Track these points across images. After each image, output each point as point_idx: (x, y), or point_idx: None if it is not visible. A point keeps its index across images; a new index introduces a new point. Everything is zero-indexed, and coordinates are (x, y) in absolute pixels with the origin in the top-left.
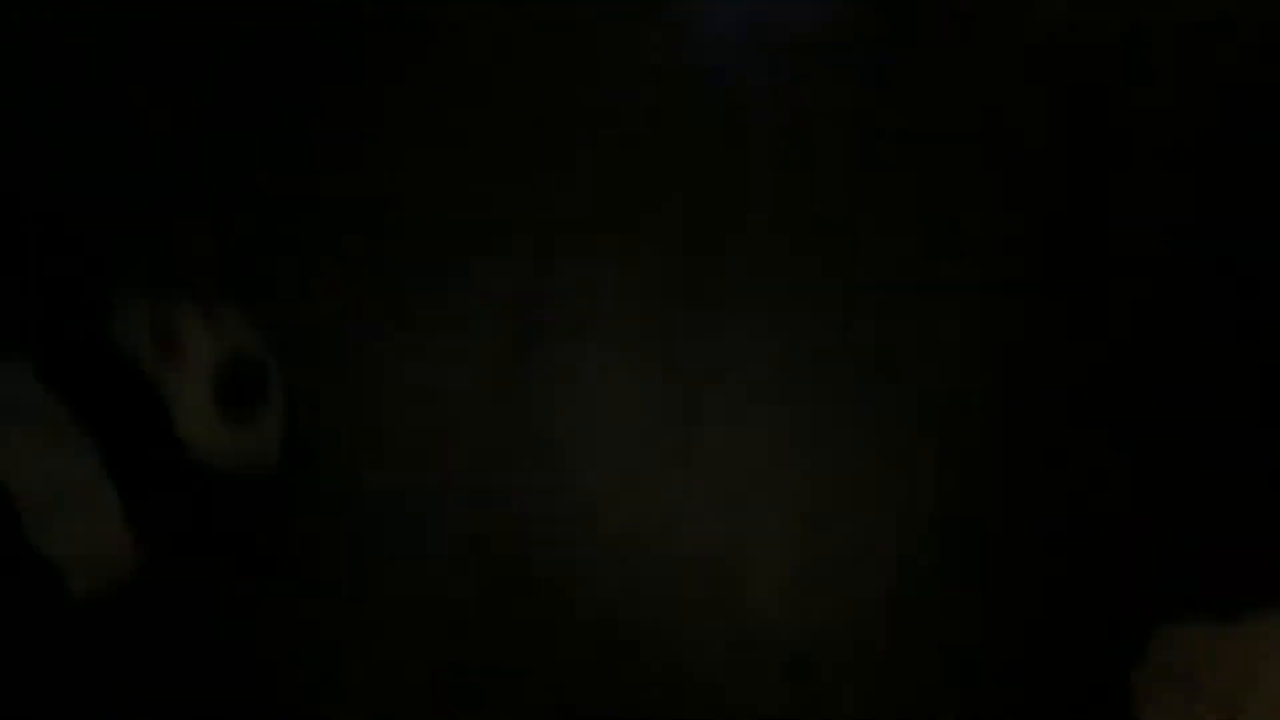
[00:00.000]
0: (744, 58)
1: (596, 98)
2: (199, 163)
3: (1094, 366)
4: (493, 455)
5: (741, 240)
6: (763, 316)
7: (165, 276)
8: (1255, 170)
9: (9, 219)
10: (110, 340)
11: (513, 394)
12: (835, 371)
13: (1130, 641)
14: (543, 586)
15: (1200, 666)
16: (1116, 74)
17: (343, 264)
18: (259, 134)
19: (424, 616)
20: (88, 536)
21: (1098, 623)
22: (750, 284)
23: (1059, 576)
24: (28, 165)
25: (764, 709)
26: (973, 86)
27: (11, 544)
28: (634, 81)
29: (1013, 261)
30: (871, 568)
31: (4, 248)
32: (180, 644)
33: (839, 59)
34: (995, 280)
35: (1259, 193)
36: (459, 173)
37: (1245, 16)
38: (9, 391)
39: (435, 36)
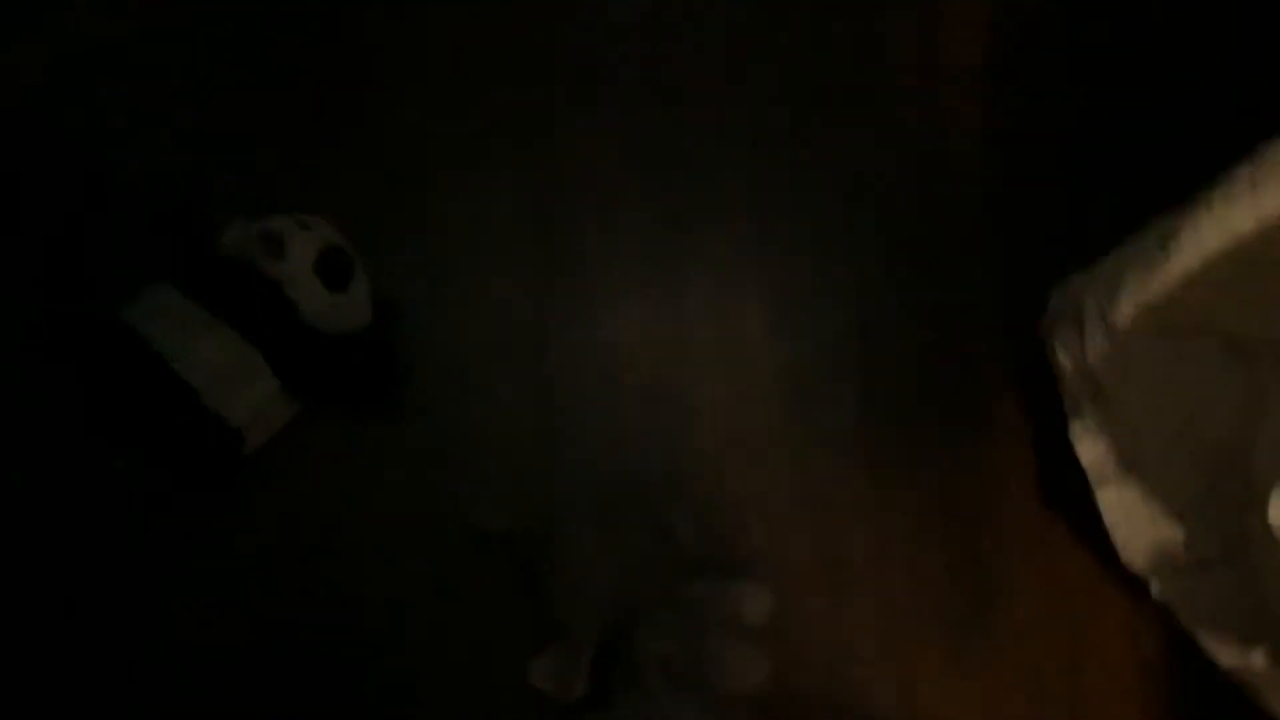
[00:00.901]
0: None
1: None
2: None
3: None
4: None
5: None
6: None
7: (254, 200)
8: None
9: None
10: (224, 253)
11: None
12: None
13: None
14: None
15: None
16: None
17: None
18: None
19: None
20: (255, 400)
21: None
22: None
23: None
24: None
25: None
26: None
27: (202, 414)
28: None
29: None
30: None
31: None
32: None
33: None
34: None
35: None
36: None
37: None
38: (157, 303)
39: None
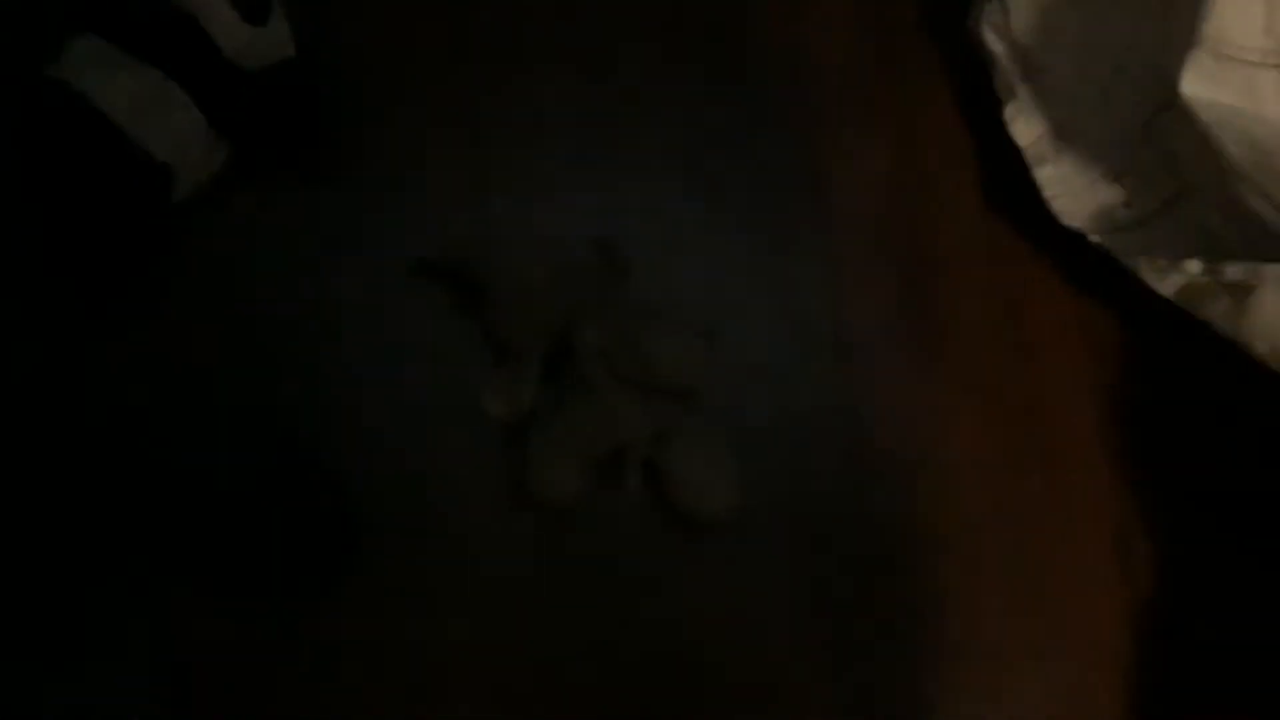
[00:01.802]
0: None
1: None
2: None
3: None
4: None
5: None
6: None
7: None
8: None
9: None
10: None
11: None
12: None
13: None
14: None
15: None
16: None
17: None
18: None
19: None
20: (181, 134)
21: None
22: None
23: None
24: None
25: None
26: None
27: (124, 148)
28: None
29: None
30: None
31: None
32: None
33: None
34: None
35: None
36: None
37: None
38: (78, 51)
39: None
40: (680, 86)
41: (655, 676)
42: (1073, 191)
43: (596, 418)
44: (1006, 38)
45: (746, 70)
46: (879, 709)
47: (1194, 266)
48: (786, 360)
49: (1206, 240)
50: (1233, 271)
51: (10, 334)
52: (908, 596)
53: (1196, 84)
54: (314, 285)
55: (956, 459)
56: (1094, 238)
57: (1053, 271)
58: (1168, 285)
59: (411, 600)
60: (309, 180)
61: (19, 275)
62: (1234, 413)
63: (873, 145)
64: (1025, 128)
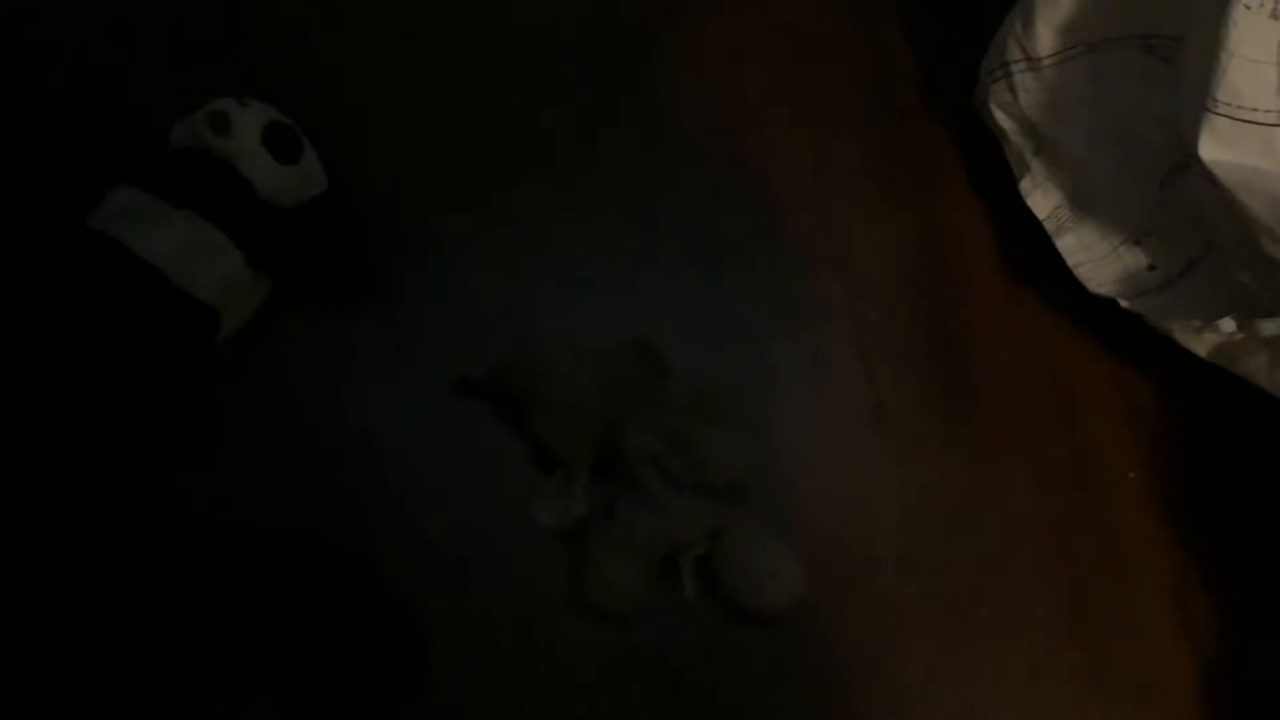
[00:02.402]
0: None
1: None
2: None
3: None
4: None
5: None
6: None
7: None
8: None
9: None
10: (175, 146)
11: None
12: None
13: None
14: None
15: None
16: None
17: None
18: None
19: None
20: (223, 276)
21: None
22: None
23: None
24: None
25: None
26: None
27: (173, 295)
28: None
29: None
30: None
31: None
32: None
33: None
34: None
35: None
36: None
37: None
38: (117, 204)
39: None
40: (698, 183)
41: None
42: (1096, 258)
43: (651, 522)
44: (1016, 115)
45: (760, 165)
46: None
47: (1228, 325)
48: (829, 442)
49: (1238, 297)
50: (1269, 327)
51: (68, 471)
52: (953, 664)
53: (1214, 147)
54: (358, 412)
55: (1004, 523)
56: (1124, 303)
57: (1084, 335)
58: (1202, 344)
59: (480, 716)
60: (348, 308)
61: (75, 416)
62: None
63: (893, 225)
64: (1043, 199)
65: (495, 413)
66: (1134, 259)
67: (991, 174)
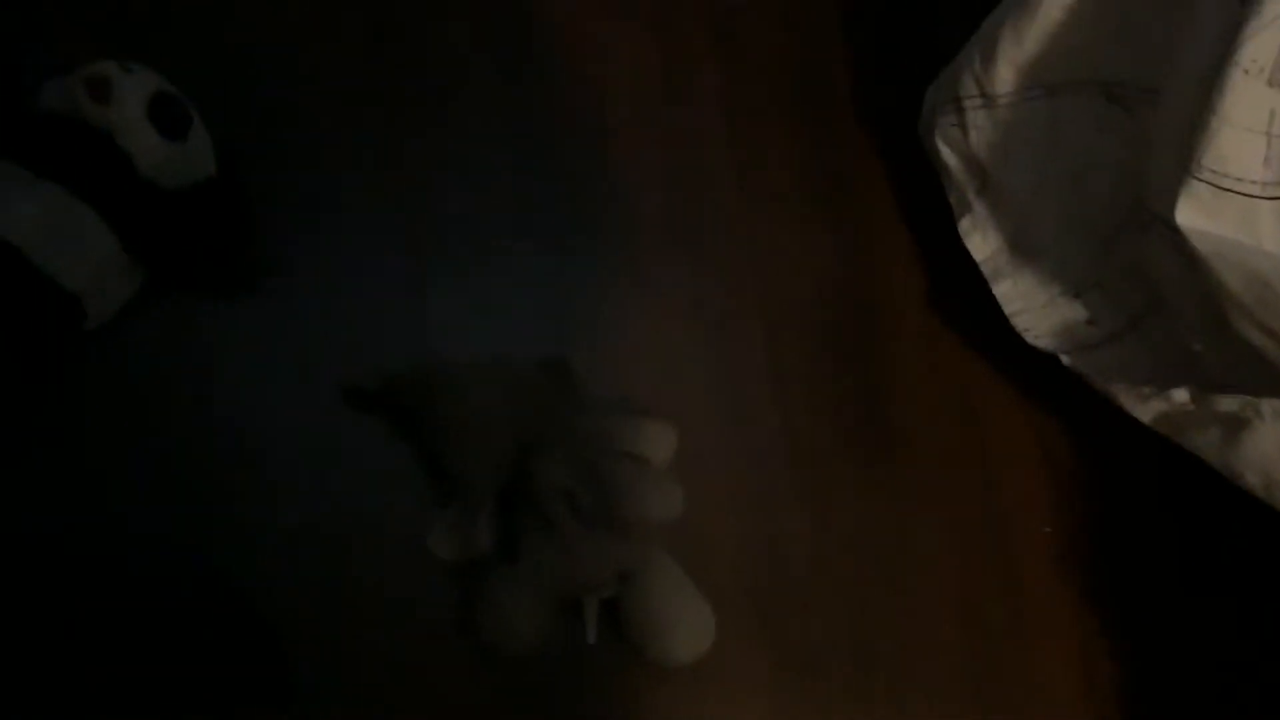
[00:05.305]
0: None
1: None
2: None
3: None
4: None
5: None
6: None
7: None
8: None
9: None
10: (44, 108)
11: None
12: None
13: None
14: None
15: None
16: None
17: None
18: None
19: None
20: (92, 261)
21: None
22: None
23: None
24: None
25: None
26: None
27: (32, 279)
28: None
29: None
30: None
31: None
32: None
33: None
34: None
35: None
36: None
37: None
38: None
39: None
40: (620, 189)
41: None
42: (1034, 308)
43: (560, 561)
44: (962, 152)
45: (689, 176)
46: None
47: (1181, 395)
48: (744, 481)
49: (1187, 364)
50: (1227, 403)
51: None
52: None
53: (1193, 215)
54: (236, 411)
55: (916, 580)
56: (1065, 359)
57: (1007, 380)
58: (1146, 410)
59: None
60: (230, 300)
61: None
62: (1198, 532)
63: (821, 251)
64: (981, 242)
65: (386, 427)
66: (1073, 312)
67: (924, 204)
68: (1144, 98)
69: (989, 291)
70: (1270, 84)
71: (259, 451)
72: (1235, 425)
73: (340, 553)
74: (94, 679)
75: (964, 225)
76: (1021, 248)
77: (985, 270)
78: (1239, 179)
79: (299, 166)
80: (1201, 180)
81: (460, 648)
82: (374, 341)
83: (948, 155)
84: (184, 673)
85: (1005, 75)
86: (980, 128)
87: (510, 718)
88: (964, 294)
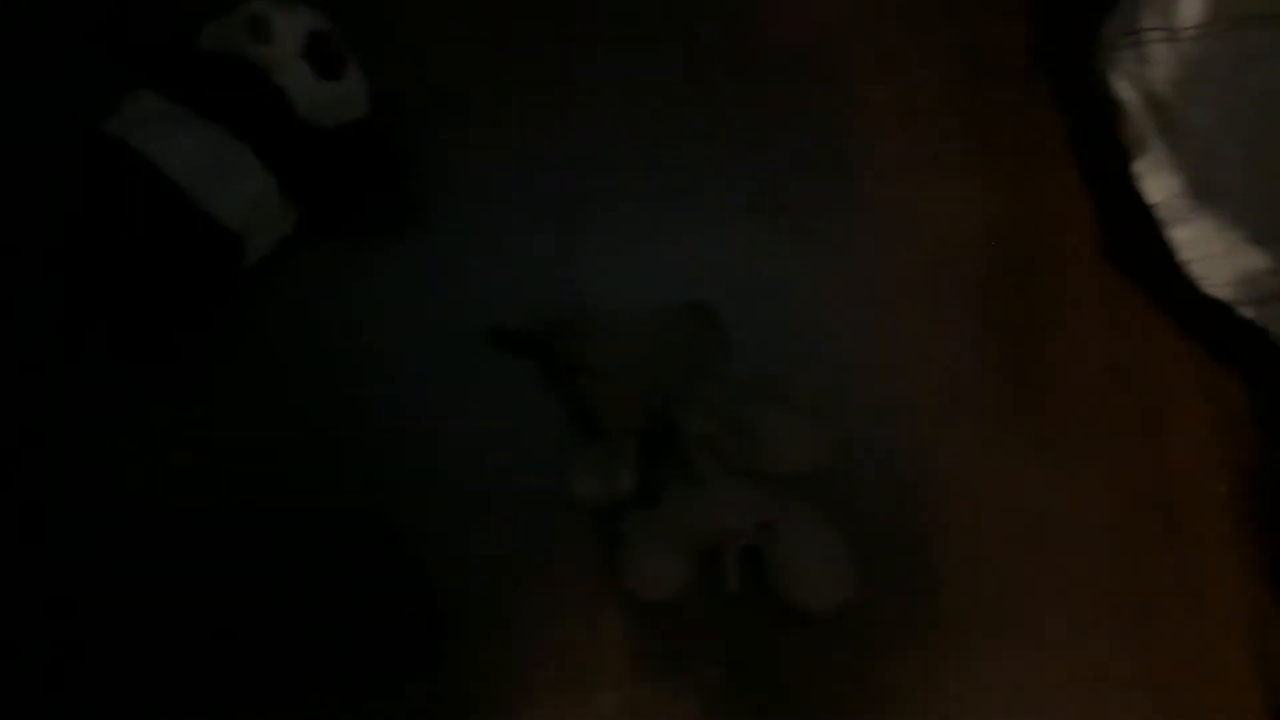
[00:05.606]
0: None
1: None
2: None
3: None
4: None
5: None
6: None
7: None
8: None
9: None
10: (204, 48)
11: None
12: None
13: None
14: None
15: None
16: None
17: None
18: None
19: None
20: (249, 199)
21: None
22: None
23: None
24: None
25: None
26: None
27: (195, 217)
28: None
29: None
30: None
31: None
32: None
33: None
34: None
35: None
36: None
37: None
38: (139, 110)
39: None
40: (773, 136)
41: None
42: (1213, 255)
43: (701, 508)
44: (1142, 87)
45: (841, 114)
46: None
47: None
48: (895, 433)
49: None
50: None
51: (72, 404)
52: (1009, 683)
53: None
54: (386, 357)
55: (1075, 534)
56: (1244, 311)
57: (1177, 334)
58: None
59: (488, 701)
60: (382, 242)
61: (76, 342)
62: None
63: (982, 195)
64: (1158, 184)
65: (527, 369)
66: (1256, 260)
67: (1091, 147)
68: None
69: (1159, 237)
70: None
71: (407, 399)
72: None
73: (488, 507)
74: (243, 638)
75: (1140, 166)
76: (1202, 191)
77: (1161, 214)
78: None
79: (453, 114)
80: None
81: (606, 599)
82: (518, 288)
83: (1125, 91)
84: (332, 632)
85: (1191, 7)
86: (1162, 62)
87: (655, 665)
88: (1133, 240)
